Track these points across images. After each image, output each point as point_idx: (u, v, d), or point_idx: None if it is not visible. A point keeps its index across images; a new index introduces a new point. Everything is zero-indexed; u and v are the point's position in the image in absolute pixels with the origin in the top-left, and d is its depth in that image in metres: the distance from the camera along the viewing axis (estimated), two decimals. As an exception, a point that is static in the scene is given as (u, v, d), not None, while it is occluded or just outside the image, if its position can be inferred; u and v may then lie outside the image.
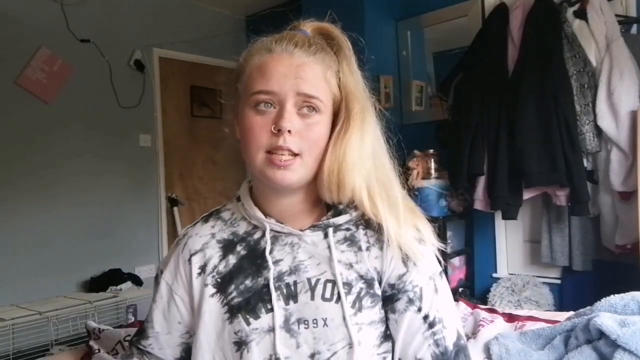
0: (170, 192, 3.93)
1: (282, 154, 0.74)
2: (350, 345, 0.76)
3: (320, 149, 0.77)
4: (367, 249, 0.81)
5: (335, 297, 0.78)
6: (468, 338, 1.36)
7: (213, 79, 4.12)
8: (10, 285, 3.02)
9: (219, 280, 0.82)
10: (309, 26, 0.82)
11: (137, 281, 3.41)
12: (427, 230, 0.83)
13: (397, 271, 0.80)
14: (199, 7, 4.10)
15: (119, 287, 3.28)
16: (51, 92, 3.28)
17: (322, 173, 0.76)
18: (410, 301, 0.79)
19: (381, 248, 0.80)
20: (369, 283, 0.79)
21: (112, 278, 3.33)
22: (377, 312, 0.80)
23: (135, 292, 3.24)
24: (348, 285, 0.79)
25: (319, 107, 0.76)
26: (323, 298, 0.78)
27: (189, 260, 0.85)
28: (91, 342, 1.49)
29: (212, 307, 0.81)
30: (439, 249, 0.84)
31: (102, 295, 3.16)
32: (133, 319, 2.87)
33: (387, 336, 0.81)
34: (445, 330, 0.79)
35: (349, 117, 0.77)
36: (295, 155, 0.75)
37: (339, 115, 0.79)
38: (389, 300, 0.80)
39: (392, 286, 0.80)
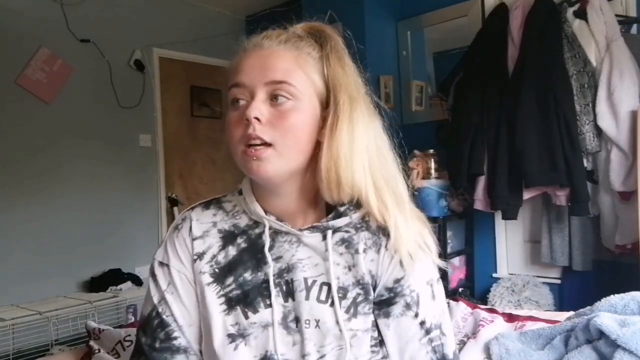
0: (170, 192, 3.93)
1: (255, 144, 0.72)
2: (340, 348, 0.76)
3: (299, 138, 0.74)
4: (364, 251, 0.79)
5: (330, 300, 0.77)
6: (468, 338, 1.36)
7: (213, 79, 4.13)
8: (10, 285, 3.02)
9: (217, 270, 0.80)
10: (298, 27, 0.81)
11: (137, 281, 3.41)
12: (429, 237, 0.81)
13: (394, 274, 0.78)
14: (199, 7, 4.10)
15: (119, 287, 3.28)
16: (51, 92, 3.28)
17: (320, 171, 0.74)
18: (408, 306, 0.78)
19: (378, 251, 0.79)
20: (365, 289, 0.78)
21: (112, 278, 3.33)
22: (371, 317, 0.79)
23: (135, 292, 3.24)
24: (344, 289, 0.78)
25: (292, 94, 0.73)
26: (318, 300, 0.77)
27: (191, 244, 0.82)
28: (91, 342, 1.49)
29: (209, 297, 0.80)
30: (438, 254, 0.82)
31: (102, 295, 3.17)
32: (133, 319, 2.87)
33: (382, 341, 0.80)
34: (445, 338, 0.78)
35: (337, 109, 0.75)
36: (269, 145, 0.72)
37: (328, 109, 0.76)
38: (384, 304, 0.79)
39: (389, 290, 0.78)
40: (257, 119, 0.72)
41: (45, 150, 3.25)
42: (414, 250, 0.77)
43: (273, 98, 0.73)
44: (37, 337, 2.75)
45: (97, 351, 1.43)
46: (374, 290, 0.79)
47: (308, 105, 0.75)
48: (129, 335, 1.42)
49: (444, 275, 2.64)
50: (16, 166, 3.14)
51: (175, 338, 0.82)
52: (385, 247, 0.78)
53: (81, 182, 3.41)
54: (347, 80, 0.77)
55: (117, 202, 3.60)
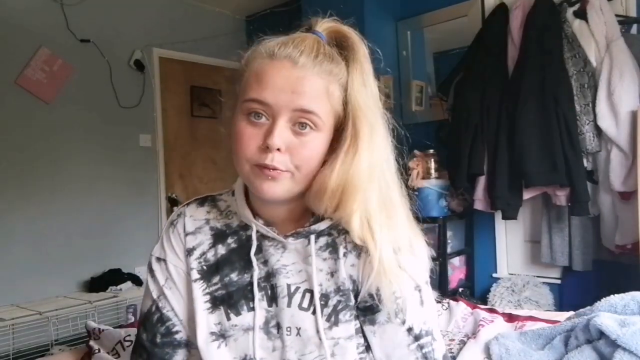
0: (170, 192, 3.93)
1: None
2: (323, 357, 0.75)
3: (314, 166, 0.72)
4: (344, 255, 0.77)
5: (312, 308, 0.76)
6: (468, 338, 1.36)
7: (213, 79, 4.13)
8: (10, 285, 3.02)
9: (204, 267, 0.80)
10: (324, 27, 0.76)
11: (137, 281, 3.41)
12: (420, 246, 0.78)
13: (377, 281, 0.74)
14: (199, 7, 4.10)
15: (119, 287, 3.28)
16: (51, 92, 3.28)
17: (325, 189, 0.70)
18: (393, 313, 0.75)
19: (358, 255, 0.76)
20: (346, 295, 0.76)
21: (112, 278, 3.33)
22: (354, 324, 0.77)
23: (135, 292, 3.24)
24: (325, 296, 0.76)
25: (316, 124, 0.70)
26: (300, 307, 0.77)
27: (184, 239, 0.82)
28: (91, 342, 1.49)
29: (194, 293, 0.80)
30: (436, 252, 0.81)
31: (102, 295, 3.17)
32: (133, 319, 2.87)
33: (368, 347, 0.78)
34: (435, 343, 0.77)
35: (357, 136, 0.71)
36: (284, 170, 0.70)
37: (344, 132, 0.73)
38: (368, 311, 0.77)
39: (372, 296, 0.75)
40: (278, 149, 0.69)
41: (45, 150, 3.25)
42: (396, 264, 0.73)
43: (297, 125, 0.70)
44: (37, 337, 2.75)
45: (97, 351, 1.44)
46: (356, 297, 0.77)
47: (327, 134, 0.73)
48: (129, 335, 1.42)
49: (443, 274, 2.65)
50: (16, 166, 3.14)
51: (177, 332, 0.82)
52: (367, 252, 0.74)
53: (81, 182, 3.41)
54: (367, 102, 0.73)
55: (117, 202, 3.60)
